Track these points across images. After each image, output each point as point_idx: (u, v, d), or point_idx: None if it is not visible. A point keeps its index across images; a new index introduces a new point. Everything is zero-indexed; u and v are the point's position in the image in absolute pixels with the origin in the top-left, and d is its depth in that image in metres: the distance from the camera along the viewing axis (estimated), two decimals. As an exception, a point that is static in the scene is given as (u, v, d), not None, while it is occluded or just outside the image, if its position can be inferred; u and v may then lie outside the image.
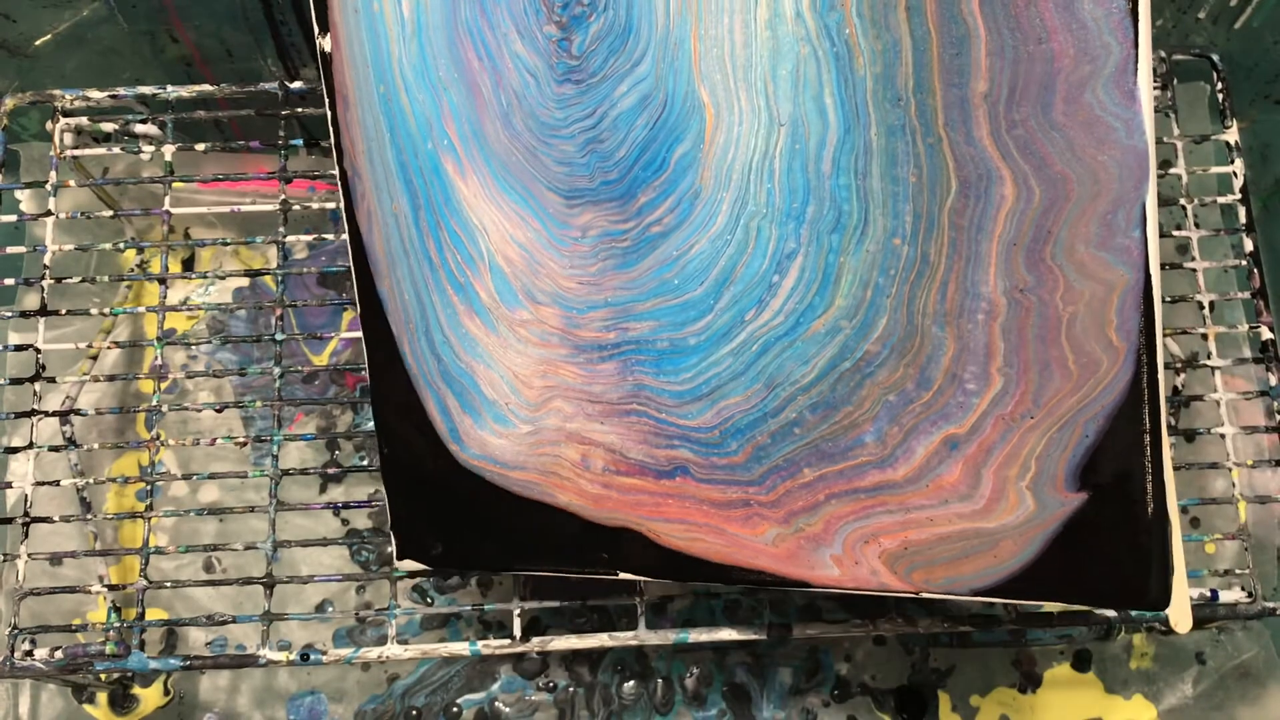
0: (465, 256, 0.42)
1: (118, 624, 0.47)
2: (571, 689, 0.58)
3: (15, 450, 0.50)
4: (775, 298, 0.38)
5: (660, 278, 0.40)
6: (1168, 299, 0.52)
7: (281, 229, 0.52)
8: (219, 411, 0.52)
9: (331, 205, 0.52)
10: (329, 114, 0.44)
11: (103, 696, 0.58)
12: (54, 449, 0.51)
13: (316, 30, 0.43)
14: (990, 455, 0.36)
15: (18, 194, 0.60)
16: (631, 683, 0.58)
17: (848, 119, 0.37)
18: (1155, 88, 0.54)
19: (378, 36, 0.41)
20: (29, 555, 0.48)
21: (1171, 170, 0.53)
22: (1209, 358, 0.51)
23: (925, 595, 0.37)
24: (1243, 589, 0.48)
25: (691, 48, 0.38)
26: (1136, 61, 0.33)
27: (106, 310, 0.52)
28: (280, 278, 0.51)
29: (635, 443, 0.41)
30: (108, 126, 0.54)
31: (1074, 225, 0.35)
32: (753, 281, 0.38)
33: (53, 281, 0.51)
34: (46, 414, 0.50)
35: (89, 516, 0.50)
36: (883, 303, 0.37)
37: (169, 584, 0.49)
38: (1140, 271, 0.34)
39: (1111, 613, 0.47)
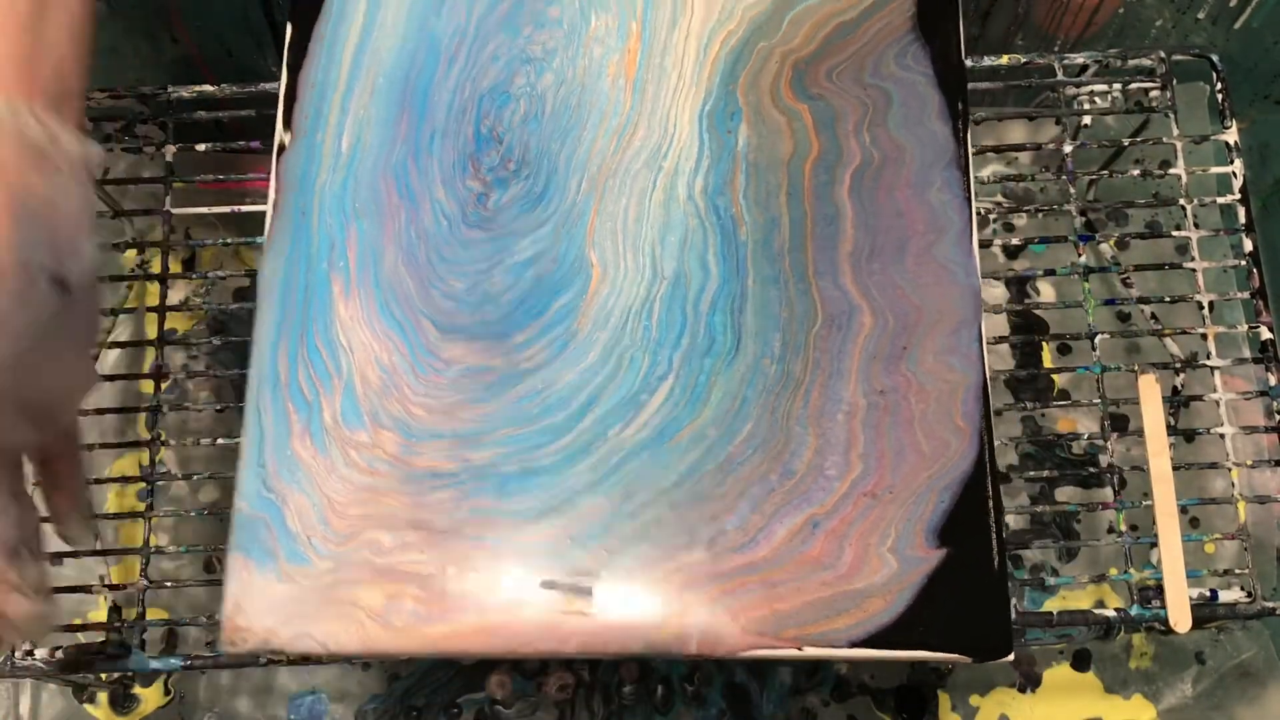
0: (321, 373, 0.43)
1: (118, 624, 0.48)
2: (571, 689, 0.58)
3: (16, 450, 0.50)
4: (642, 413, 0.42)
5: (520, 408, 0.42)
6: (1167, 299, 0.52)
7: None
8: (220, 411, 0.53)
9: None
10: (269, 208, 0.46)
11: (103, 696, 0.58)
12: (55, 449, 0.51)
13: (280, 125, 0.46)
14: (852, 527, 0.41)
15: (18, 194, 0.60)
16: (631, 683, 0.58)
17: (727, 272, 0.44)
18: (1155, 88, 0.54)
19: (311, 163, 0.45)
20: (30, 555, 0.48)
21: (1171, 170, 0.53)
22: (1209, 358, 0.51)
23: (807, 650, 0.39)
24: (1242, 589, 0.48)
25: (590, 220, 0.44)
26: (971, 229, 0.44)
27: (107, 310, 0.52)
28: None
29: (461, 571, 0.40)
30: (108, 127, 0.54)
31: (924, 342, 0.43)
32: (620, 402, 0.42)
33: (53, 282, 0.51)
34: (47, 414, 0.50)
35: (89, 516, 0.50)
36: (749, 411, 0.42)
37: (170, 584, 0.49)
38: (979, 373, 0.43)
39: (1111, 613, 0.47)
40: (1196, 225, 0.52)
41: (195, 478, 0.50)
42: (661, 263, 0.44)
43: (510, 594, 0.40)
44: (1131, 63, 0.53)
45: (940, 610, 0.40)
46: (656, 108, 0.46)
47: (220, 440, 0.50)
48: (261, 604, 0.40)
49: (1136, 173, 0.54)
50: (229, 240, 0.53)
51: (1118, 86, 0.54)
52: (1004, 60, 0.53)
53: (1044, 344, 0.64)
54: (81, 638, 0.49)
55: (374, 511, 0.41)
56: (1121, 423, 0.62)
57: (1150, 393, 0.49)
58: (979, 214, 0.66)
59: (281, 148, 0.46)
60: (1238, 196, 0.52)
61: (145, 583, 0.48)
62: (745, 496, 0.41)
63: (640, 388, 0.42)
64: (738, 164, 0.45)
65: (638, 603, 0.40)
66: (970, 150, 0.45)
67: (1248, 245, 0.51)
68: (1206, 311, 0.51)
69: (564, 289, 0.43)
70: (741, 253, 0.44)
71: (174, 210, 0.53)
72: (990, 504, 0.41)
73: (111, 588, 0.49)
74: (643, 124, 0.46)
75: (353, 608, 0.40)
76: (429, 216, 0.44)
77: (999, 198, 0.67)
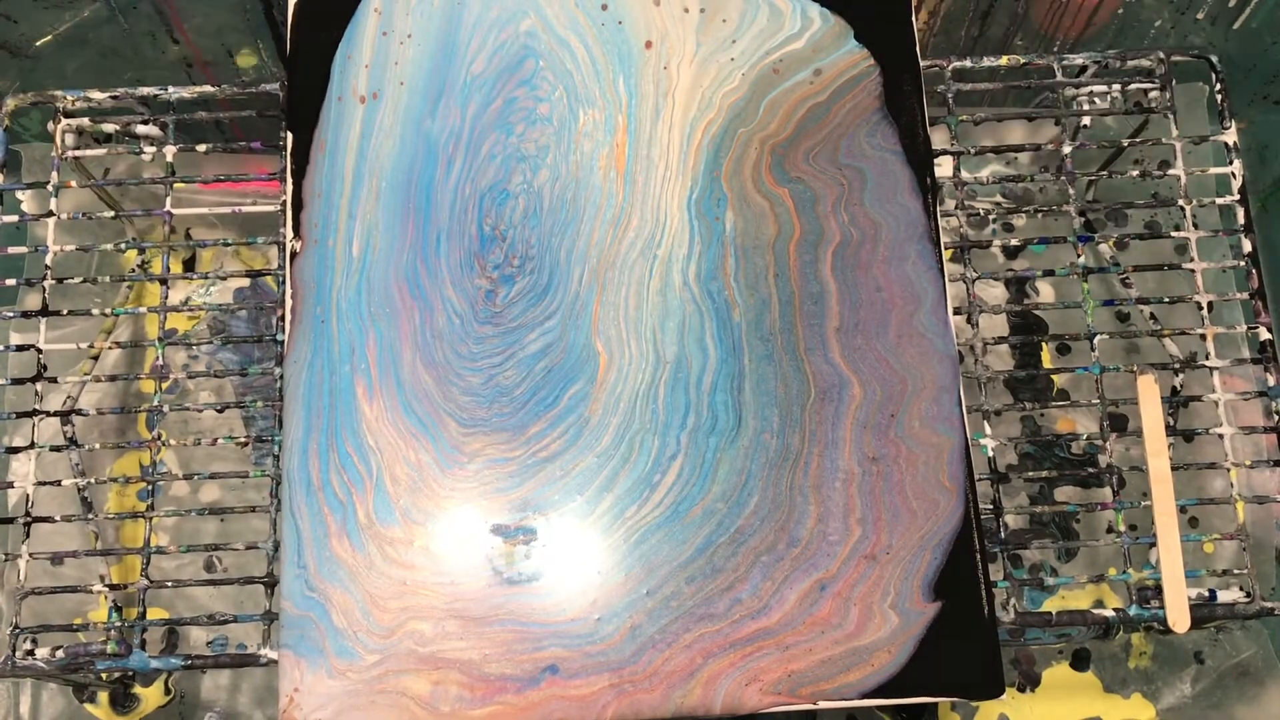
0: (353, 476, 0.45)
1: (119, 623, 0.48)
2: None
3: (17, 450, 0.50)
4: (656, 493, 0.45)
5: (541, 496, 0.44)
6: (1167, 299, 0.52)
7: (282, 229, 0.52)
8: (220, 411, 0.53)
9: (332, 206, 0.51)
10: (287, 313, 0.47)
11: (104, 695, 0.58)
12: (55, 449, 0.51)
13: (290, 234, 0.48)
14: (855, 589, 0.43)
15: (19, 194, 0.60)
16: None
17: (725, 352, 0.46)
18: (1154, 88, 0.54)
19: (325, 268, 0.48)
20: (30, 555, 0.48)
21: (1170, 171, 0.53)
22: (1208, 358, 0.51)
23: (821, 704, 0.42)
24: (1241, 589, 0.48)
25: (594, 310, 0.47)
26: (945, 299, 0.47)
27: (108, 310, 0.52)
28: (281, 278, 0.51)
29: (499, 655, 0.43)
30: (109, 127, 0.54)
31: (909, 409, 0.46)
32: (635, 484, 0.45)
33: (54, 282, 0.51)
34: (48, 414, 0.50)
35: (90, 516, 0.50)
36: (754, 485, 0.45)
37: (170, 583, 0.49)
38: (961, 435, 0.45)
39: (1110, 612, 0.47)
40: (1195, 226, 0.52)
41: (196, 477, 0.50)
42: (663, 347, 0.46)
43: (546, 672, 0.43)
44: (1131, 63, 0.53)
45: (938, 657, 0.43)
46: (647, 198, 0.48)
47: (220, 440, 0.50)
48: (314, 700, 0.43)
49: (1136, 173, 0.54)
50: (229, 240, 0.53)
51: (1117, 87, 0.54)
52: (1004, 61, 0.53)
53: (1043, 344, 0.64)
54: (82, 637, 0.50)
55: (413, 603, 0.44)
56: (1120, 423, 0.62)
57: (1149, 393, 0.49)
58: (979, 214, 0.66)
59: (294, 254, 0.48)
60: (1236, 197, 0.52)
61: (145, 582, 0.48)
62: (758, 565, 0.44)
63: (653, 469, 0.45)
64: (727, 249, 0.47)
65: (664, 672, 0.43)
66: (940, 222, 0.48)
67: (1246, 246, 0.51)
68: (1205, 312, 0.51)
69: (575, 377, 0.46)
70: (736, 333, 0.46)
71: (175, 211, 0.53)
72: (978, 556, 0.44)
73: (112, 588, 0.49)
74: (635, 214, 0.48)
75: (401, 696, 0.43)
76: (442, 316, 0.47)
77: (999, 198, 0.67)
